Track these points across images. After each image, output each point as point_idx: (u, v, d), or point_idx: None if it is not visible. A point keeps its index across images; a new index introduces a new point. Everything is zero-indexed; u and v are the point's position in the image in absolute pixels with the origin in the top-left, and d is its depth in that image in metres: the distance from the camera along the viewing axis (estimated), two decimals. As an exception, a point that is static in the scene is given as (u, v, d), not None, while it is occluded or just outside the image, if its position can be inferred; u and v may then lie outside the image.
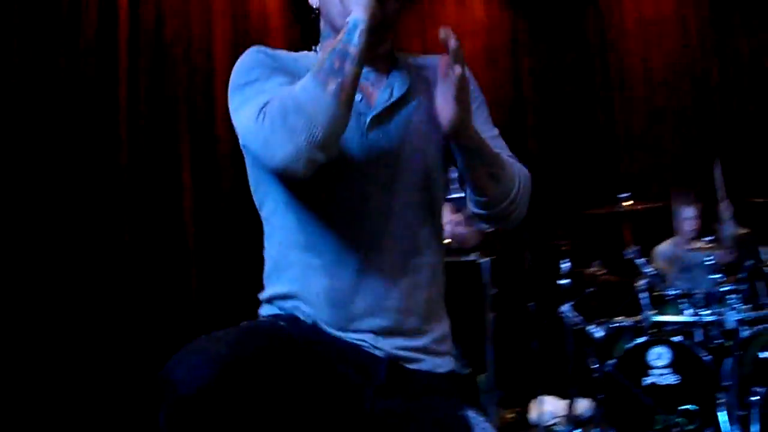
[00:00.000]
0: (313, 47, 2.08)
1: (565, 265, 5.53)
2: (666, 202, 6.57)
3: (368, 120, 1.88)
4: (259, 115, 1.69)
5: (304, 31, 6.83)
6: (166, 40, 5.63)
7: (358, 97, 1.85)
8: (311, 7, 2.05)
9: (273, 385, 1.58)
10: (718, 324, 5.05)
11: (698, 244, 5.61)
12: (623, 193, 5.74)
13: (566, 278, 5.52)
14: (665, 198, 6.76)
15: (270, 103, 1.69)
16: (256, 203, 2.02)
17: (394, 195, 1.88)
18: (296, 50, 2.05)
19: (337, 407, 1.73)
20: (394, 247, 1.88)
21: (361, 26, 1.70)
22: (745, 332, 4.99)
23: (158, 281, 5.32)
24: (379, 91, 1.94)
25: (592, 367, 5.35)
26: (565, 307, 5.46)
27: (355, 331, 1.84)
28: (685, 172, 7.78)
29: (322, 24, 2.04)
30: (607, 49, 8.26)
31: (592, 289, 5.79)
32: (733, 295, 5.01)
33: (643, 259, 5.46)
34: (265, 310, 1.98)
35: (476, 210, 1.95)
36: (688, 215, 6.15)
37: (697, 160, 7.79)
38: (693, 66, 8.10)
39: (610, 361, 5.11)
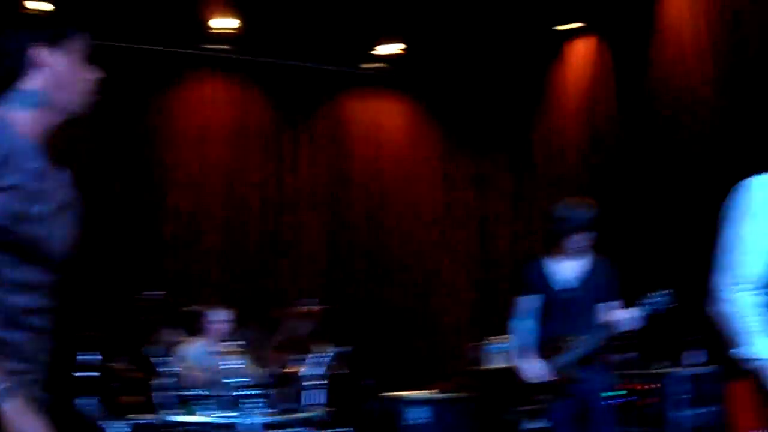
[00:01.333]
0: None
1: (93, 358, 5.17)
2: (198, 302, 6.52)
3: None
4: None
5: None
6: None
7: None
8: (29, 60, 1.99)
9: None
10: (233, 426, 5.01)
11: (226, 348, 5.54)
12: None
13: (94, 371, 5.20)
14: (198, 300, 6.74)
15: None
16: None
17: None
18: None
19: None
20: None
21: None
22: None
23: None
24: None
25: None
26: (89, 401, 5.09)
27: None
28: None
29: (40, 81, 1.98)
30: (161, 151, 8.22)
31: (117, 384, 5.47)
32: (256, 400, 5.02)
33: (164, 358, 5.29)
34: None
35: None
36: (218, 318, 6.02)
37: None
38: (252, 174, 8.32)
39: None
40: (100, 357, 5.26)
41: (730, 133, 6.35)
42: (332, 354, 5.47)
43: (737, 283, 2.64)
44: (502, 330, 7.18)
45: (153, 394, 5.21)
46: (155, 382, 5.21)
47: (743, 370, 2.62)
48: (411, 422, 6.04)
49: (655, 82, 7.39)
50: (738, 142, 6.14)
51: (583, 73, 8.33)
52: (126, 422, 5.18)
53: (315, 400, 5.46)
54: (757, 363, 2.57)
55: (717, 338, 2.75)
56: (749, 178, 2.78)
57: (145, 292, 5.59)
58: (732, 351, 2.64)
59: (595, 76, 8.20)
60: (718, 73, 6.63)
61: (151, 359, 5.23)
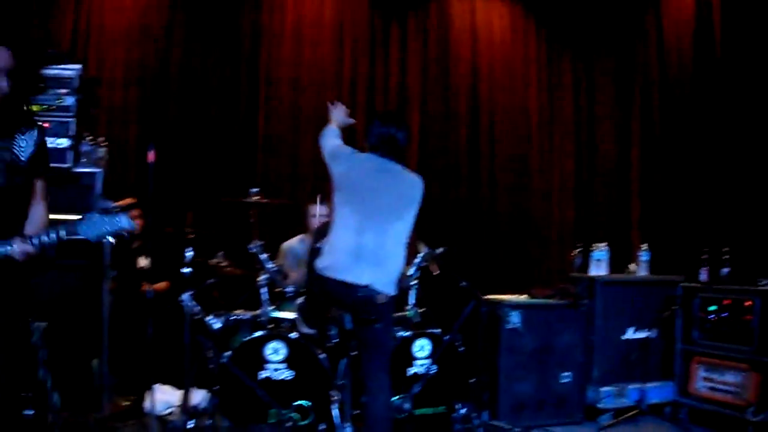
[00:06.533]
0: None
1: (189, 254, 5.23)
2: (297, 201, 6.63)
3: None
4: None
5: None
6: None
7: None
8: None
9: None
10: (337, 324, 5.07)
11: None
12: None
13: (188, 267, 5.20)
14: (297, 198, 6.82)
15: None
16: None
17: None
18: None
19: None
20: None
21: None
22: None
23: None
24: None
25: (209, 358, 5.27)
26: (185, 296, 5.16)
27: None
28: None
29: None
30: (260, 47, 8.07)
31: (213, 280, 5.64)
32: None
33: (266, 255, 5.42)
34: None
35: None
36: (316, 212, 6.04)
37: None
38: (344, 73, 8.23)
39: (227, 353, 5.09)
40: (193, 253, 5.22)
41: None
42: (424, 254, 5.50)
43: None
44: (603, 238, 7.11)
45: (257, 290, 5.38)
46: (258, 278, 5.39)
47: None
48: (513, 326, 6.07)
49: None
50: None
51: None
52: (224, 317, 5.34)
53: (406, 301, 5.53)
54: None
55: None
56: None
57: (249, 190, 5.70)
58: None
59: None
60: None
61: (255, 255, 5.37)
